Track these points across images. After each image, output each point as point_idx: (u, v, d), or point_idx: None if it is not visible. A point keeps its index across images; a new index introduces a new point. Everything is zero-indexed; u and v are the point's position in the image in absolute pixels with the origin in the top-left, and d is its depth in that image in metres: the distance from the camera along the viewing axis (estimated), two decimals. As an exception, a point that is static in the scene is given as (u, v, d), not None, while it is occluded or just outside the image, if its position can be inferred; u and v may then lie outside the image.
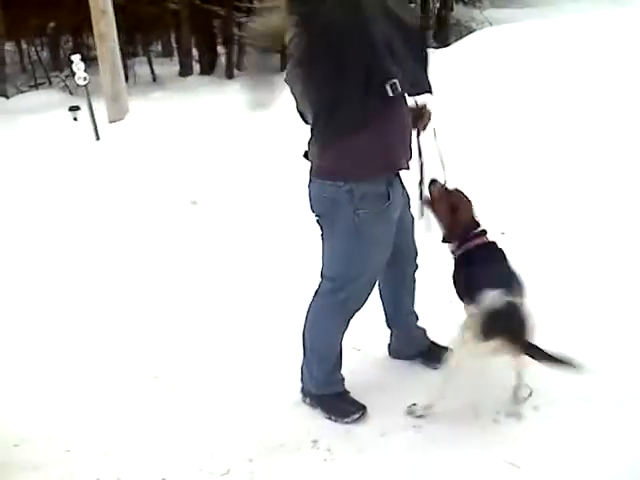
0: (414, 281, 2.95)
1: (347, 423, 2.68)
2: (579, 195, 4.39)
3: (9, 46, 18.16)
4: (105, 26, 8.94)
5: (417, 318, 3.03)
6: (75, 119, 8.75)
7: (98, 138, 6.78)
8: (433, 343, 3.04)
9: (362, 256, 2.50)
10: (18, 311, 3.89)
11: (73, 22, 14.99)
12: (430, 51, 2.50)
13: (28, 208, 5.47)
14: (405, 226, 2.73)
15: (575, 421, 2.54)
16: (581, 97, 5.61)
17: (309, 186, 2.52)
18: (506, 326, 2.40)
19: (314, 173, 2.49)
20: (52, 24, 16.45)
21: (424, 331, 3.05)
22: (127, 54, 15.01)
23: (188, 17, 15.39)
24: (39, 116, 9.94)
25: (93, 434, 2.80)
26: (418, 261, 2.90)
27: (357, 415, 2.69)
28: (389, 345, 3.11)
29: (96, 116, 7.02)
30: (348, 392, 2.79)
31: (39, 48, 19.42)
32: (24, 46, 19.55)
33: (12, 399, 3.07)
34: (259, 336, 3.35)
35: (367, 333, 3.19)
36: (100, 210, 5.10)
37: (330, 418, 2.72)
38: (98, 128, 6.88)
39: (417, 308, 3.02)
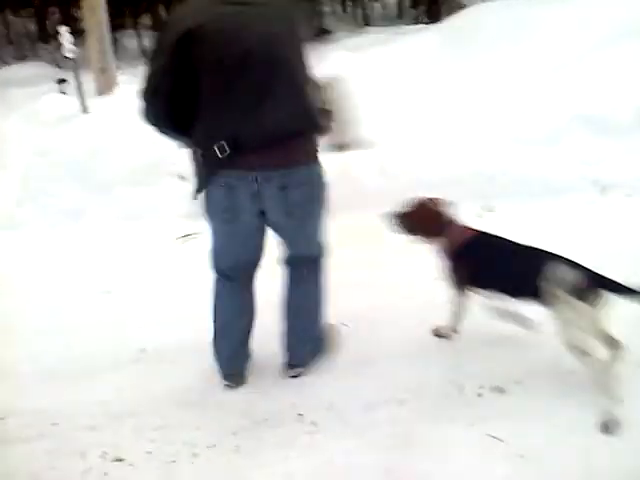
0: None
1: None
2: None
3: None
4: (93, -2, 8.81)
5: None
6: (63, 92, 8.64)
7: (86, 111, 6.69)
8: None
9: None
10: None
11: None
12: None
13: (13, 181, 5.44)
14: None
15: (558, 394, 2.57)
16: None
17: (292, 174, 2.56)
18: (595, 280, 2.43)
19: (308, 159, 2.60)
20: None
21: None
22: (115, 27, 14.81)
23: (178, -10, 15.20)
24: (26, 89, 9.81)
25: (79, 408, 2.80)
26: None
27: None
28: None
29: (84, 89, 6.92)
30: None
31: (26, 20, 19.14)
32: (10, 17, 19.26)
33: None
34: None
35: (353, 309, 3.21)
36: (86, 182, 5.06)
37: None
38: (86, 101, 6.80)
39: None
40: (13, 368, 3.13)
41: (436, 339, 3.06)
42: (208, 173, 2.51)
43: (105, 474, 2.42)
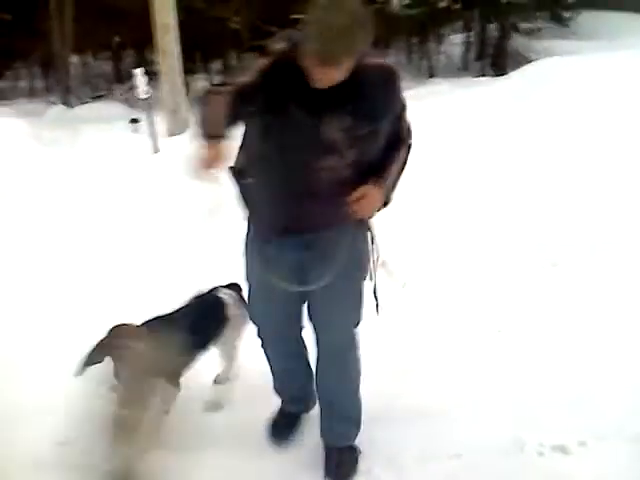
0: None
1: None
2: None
3: (75, 59, 18.79)
4: (168, 42, 9.17)
5: None
6: (135, 131, 8.97)
7: (157, 151, 6.92)
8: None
9: None
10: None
11: (136, 37, 15.42)
12: None
13: (86, 217, 5.62)
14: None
15: (621, 460, 2.49)
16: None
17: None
18: None
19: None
20: (117, 38, 16.96)
21: None
22: (187, 71, 15.35)
23: (248, 37, 15.70)
24: (100, 127, 10.23)
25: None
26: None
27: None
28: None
29: (155, 129, 7.18)
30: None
31: (102, 62, 20.03)
32: (89, 59, 20.19)
33: (61, 397, 3.13)
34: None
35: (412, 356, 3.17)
36: (156, 221, 5.19)
37: None
38: (157, 141, 7.04)
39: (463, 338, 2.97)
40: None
41: (498, 392, 2.99)
42: None
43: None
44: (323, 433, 2.68)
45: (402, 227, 4.53)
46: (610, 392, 2.91)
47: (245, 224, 2.51)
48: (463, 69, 18.58)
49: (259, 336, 2.72)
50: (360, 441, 2.70)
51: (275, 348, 2.75)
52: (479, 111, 7.56)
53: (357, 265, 2.42)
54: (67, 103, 14.76)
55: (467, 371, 3.19)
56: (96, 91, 17.42)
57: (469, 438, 2.69)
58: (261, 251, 2.43)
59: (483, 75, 14.68)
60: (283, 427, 2.83)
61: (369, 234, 2.42)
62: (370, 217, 2.37)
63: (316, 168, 2.22)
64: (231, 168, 2.39)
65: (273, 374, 2.83)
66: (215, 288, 3.02)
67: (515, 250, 4.48)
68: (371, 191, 2.23)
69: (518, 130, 6.43)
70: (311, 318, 2.54)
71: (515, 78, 8.54)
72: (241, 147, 2.40)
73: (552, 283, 4.04)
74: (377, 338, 3.31)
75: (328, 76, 2.05)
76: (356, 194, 2.22)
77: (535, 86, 7.56)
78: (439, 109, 8.03)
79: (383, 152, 2.29)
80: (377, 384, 3.07)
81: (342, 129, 2.16)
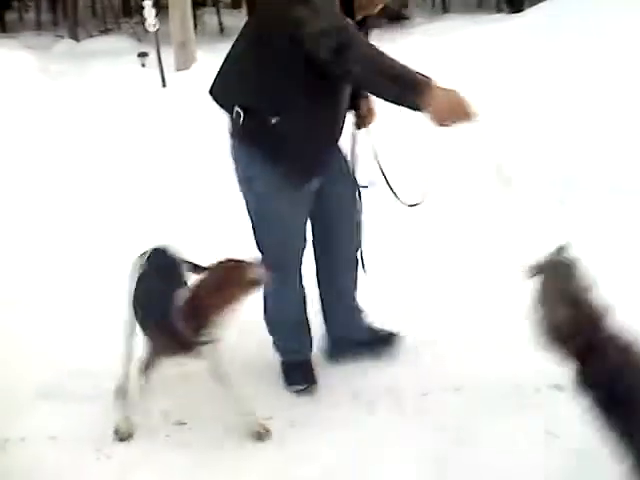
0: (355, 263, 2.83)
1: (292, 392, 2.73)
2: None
3: (82, -10, 18.41)
4: (177, -26, 8.96)
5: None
6: (143, 65, 8.87)
7: (165, 85, 6.85)
8: (376, 330, 2.93)
9: None
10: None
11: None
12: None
13: (95, 150, 5.62)
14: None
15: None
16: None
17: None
18: None
19: None
20: (125, -30, 16.61)
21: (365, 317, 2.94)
22: (197, 4, 15.05)
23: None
24: (108, 60, 10.11)
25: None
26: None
27: (301, 387, 2.72)
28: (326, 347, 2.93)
29: (163, 63, 7.09)
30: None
31: (111, -7, 19.65)
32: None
33: (71, 331, 3.20)
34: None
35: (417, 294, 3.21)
36: (163, 153, 5.19)
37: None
38: (165, 75, 6.96)
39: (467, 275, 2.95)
40: (88, 325, 3.25)
41: (496, 330, 3.03)
42: None
43: (167, 436, 2.51)
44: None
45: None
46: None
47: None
48: (478, 5, 18.14)
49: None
50: (359, 374, 2.78)
51: (294, 285, 2.71)
52: (494, 49, 7.42)
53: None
54: (75, 37, 14.55)
55: (465, 309, 3.22)
56: (104, 25, 17.12)
57: (468, 373, 2.72)
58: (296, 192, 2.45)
59: (499, 12, 14.33)
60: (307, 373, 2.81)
61: None
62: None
63: None
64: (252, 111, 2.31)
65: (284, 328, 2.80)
66: None
67: (524, 187, 4.45)
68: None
69: (534, 68, 6.31)
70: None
71: (531, 15, 8.34)
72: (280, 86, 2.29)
73: (559, 221, 4.03)
74: (381, 272, 3.35)
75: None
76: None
77: (551, 24, 7.38)
78: (453, 46, 7.88)
79: None
80: (378, 319, 3.12)
81: None
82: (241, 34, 2.43)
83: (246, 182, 2.48)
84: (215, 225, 4.16)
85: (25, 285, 3.65)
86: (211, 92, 2.45)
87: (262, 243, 2.56)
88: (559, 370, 2.67)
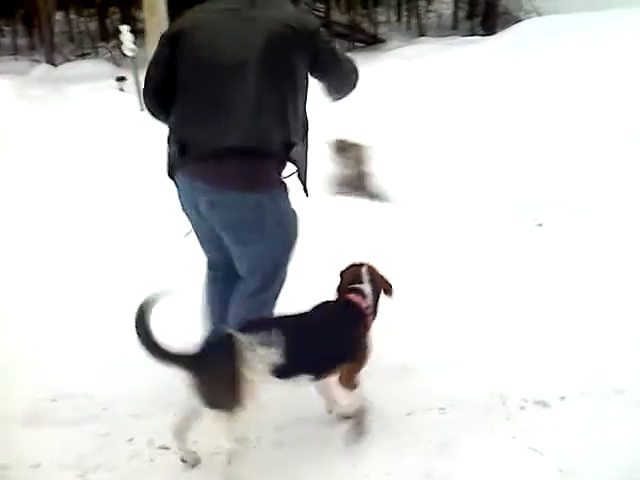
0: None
1: None
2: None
3: (59, 16, 18.42)
4: (155, -1, 9.03)
5: None
6: (121, 89, 8.87)
7: (142, 109, 6.83)
8: None
9: None
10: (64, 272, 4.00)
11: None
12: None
13: (73, 174, 5.60)
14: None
15: (602, 413, 2.55)
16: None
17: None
18: None
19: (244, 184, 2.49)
20: (101, -5, 16.63)
21: None
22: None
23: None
24: (86, 84, 10.10)
25: (130, 394, 2.87)
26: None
27: None
28: None
29: (141, 87, 7.10)
30: None
31: (87, 19, 19.63)
32: (72, 16, 19.77)
33: (54, 353, 3.17)
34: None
35: (397, 315, 3.23)
36: (140, 177, 5.17)
37: None
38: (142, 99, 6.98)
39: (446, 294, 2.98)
40: (66, 349, 3.22)
41: (481, 348, 3.05)
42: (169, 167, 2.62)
43: (151, 460, 2.49)
44: None
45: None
46: (590, 348, 2.99)
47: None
48: (453, 28, 18.40)
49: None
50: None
51: None
52: (467, 71, 7.54)
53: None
54: (51, 61, 14.52)
55: (449, 328, 3.26)
56: (81, 49, 17.11)
57: (453, 393, 2.75)
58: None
59: (473, 34, 14.54)
60: None
61: None
62: None
63: None
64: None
65: None
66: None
67: (500, 210, 4.52)
68: None
69: (504, 90, 6.43)
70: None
71: (503, 38, 8.50)
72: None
73: (537, 242, 4.09)
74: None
75: None
76: None
77: (521, 46, 7.54)
78: (429, 69, 7.99)
79: None
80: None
81: None
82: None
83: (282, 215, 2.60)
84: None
85: (6, 309, 3.61)
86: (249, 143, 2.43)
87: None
88: (545, 386, 2.72)
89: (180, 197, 2.66)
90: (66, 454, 2.54)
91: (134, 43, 7.43)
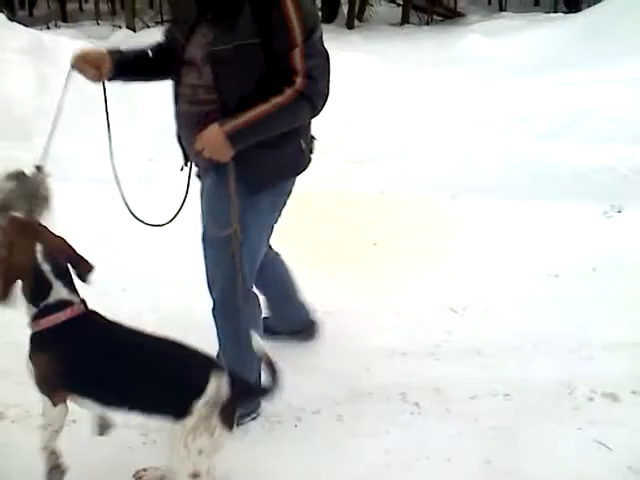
0: None
1: None
2: None
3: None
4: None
5: None
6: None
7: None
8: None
9: None
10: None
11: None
12: None
13: (150, 139, 5.72)
14: None
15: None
16: None
17: None
18: None
19: None
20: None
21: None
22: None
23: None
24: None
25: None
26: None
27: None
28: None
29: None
30: None
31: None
32: (154, -18, 20.03)
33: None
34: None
35: (466, 296, 3.18)
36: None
37: None
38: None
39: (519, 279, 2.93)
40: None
41: (553, 335, 2.98)
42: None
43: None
44: None
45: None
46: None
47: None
48: (535, 4, 17.83)
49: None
50: (410, 374, 2.76)
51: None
52: (549, 52, 7.31)
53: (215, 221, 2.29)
54: (131, 27, 14.77)
55: (522, 313, 3.20)
56: (160, 16, 17.34)
57: (519, 379, 2.70)
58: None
59: (556, 11, 14.06)
60: None
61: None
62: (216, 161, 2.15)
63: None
64: None
65: None
66: None
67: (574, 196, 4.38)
68: (210, 131, 2.09)
69: (591, 71, 6.18)
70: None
71: (588, 16, 8.18)
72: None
73: (614, 229, 3.96)
74: (435, 274, 3.35)
75: None
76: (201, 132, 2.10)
77: (608, 26, 7.23)
78: (510, 48, 7.79)
79: (257, 89, 2.11)
80: (433, 320, 3.11)
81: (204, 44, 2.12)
82: None
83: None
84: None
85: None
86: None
87: None
88: (615, 380, 2.64)
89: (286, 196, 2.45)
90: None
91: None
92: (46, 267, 1.86)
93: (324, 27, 2.29)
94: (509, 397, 2.61)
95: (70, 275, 1.92)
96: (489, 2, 18.80)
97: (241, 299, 2.30)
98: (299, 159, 2.34)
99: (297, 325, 2.95)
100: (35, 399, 2.37)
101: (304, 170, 2.39)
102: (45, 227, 1.95)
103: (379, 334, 3.03)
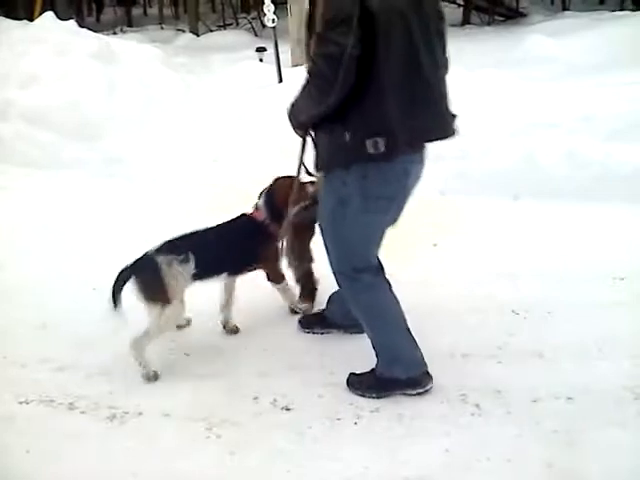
0: None
1: None
2: None
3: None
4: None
5: None
6: (261, 60, 9.04)
7: (281, 80, 6.97)
8: None
9: None
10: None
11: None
12: None
13: (214, 140, 5.83)
14: None
15: None
16: None
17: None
18: None
19: None
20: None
21: None
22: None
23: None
24: (227, 55, 10.39)
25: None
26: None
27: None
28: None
29: (280, 59, 7.22)
30: None
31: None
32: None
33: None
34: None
35: (529, 298, 3.14)
36: (277, 147, 5.29)
37: None
38: (282, 70, 7.08)
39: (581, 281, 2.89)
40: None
41: (616, 338, 2.93)
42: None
43: (274, 420, 2.59)
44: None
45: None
46: None
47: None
48: (600, 2, 17.36)
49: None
50: (470, 375, 2.76)
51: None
52: (618, 51, 7.12)
53: None
54: (195, 31, 15.03)
55: (585, 316, 3.15)
56: (222, 20, 17.59)
57: (583, 382, 2.66)
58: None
59: (622, 9, 13.64)
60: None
61: None
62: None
63: None
64: None
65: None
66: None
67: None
68: None
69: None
70: None
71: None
72: None
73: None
74: (496, 276, 3.32)
75: None
76: None
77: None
78: (575, 48, 7.62)
79: None
80: (494, 322, 3.09)
81: None
82: None
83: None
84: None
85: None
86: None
87: None
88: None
89: (402, 181, 2.49)
90: (195, 404, 2.69)
91: (275, 14, 7.52)
92: None
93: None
94: (571, 400, 2.58)
95: None
96: (552, 2, 18.40)
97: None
98: (346, 151, 2.39)
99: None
100: (103, 390, 2.48)
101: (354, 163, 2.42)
102: None
103: (440, 335, 3.03)
